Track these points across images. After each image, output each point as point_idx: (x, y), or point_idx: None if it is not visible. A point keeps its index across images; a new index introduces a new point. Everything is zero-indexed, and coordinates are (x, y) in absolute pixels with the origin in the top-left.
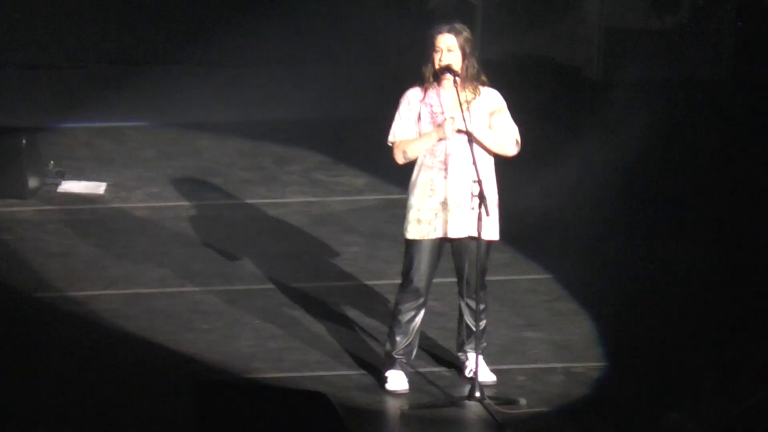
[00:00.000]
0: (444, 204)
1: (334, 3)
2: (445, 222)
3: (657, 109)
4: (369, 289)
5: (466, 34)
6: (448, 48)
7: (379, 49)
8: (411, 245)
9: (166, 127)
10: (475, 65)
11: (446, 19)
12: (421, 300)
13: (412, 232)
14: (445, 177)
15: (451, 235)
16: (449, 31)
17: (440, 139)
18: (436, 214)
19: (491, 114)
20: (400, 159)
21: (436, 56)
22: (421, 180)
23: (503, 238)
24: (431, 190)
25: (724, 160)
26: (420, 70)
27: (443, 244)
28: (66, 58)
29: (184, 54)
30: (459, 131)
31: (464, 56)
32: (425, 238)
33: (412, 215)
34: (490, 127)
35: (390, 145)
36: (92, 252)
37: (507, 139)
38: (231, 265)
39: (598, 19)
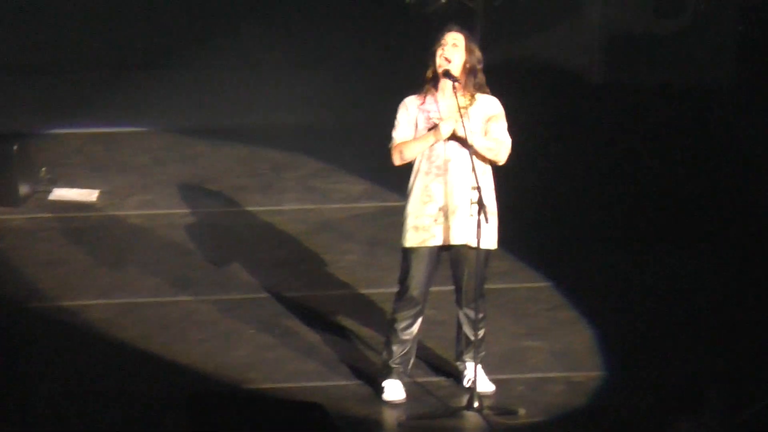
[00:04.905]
0: (442, 210)
1: (331, 7)
2: (444, 229)
3: (657, 113)
4: (366, 297)
5: (474, 42)
6: (454, 43)
7: (377, 55)
8: (408, 253)
9: (160, 133)
10: (477, 72)
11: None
12: (418, 308)
13: (410, 239)
14: (444, 183)
15: (450, 242)
16: (458, 31)
17: (436, 141)
18: (435, 220)
19: (488, 120)
20: (397, 160)
21: (439, 51)
22: (417, 186)
23: (503, 245)
24: (428, 196)
25: (726, 165)
26: (421, 74)
27: (441, 252)
28: (57, 63)
29: (178, 58)
30: (456, 137)
31: (467, 58)
32: (423, 245)
33: (410, 222)
34: (485, 133)
35: (389, 149)
36: (85, 260)
37: (501, 146)
38: (226, 274)
39: (599, 23)
